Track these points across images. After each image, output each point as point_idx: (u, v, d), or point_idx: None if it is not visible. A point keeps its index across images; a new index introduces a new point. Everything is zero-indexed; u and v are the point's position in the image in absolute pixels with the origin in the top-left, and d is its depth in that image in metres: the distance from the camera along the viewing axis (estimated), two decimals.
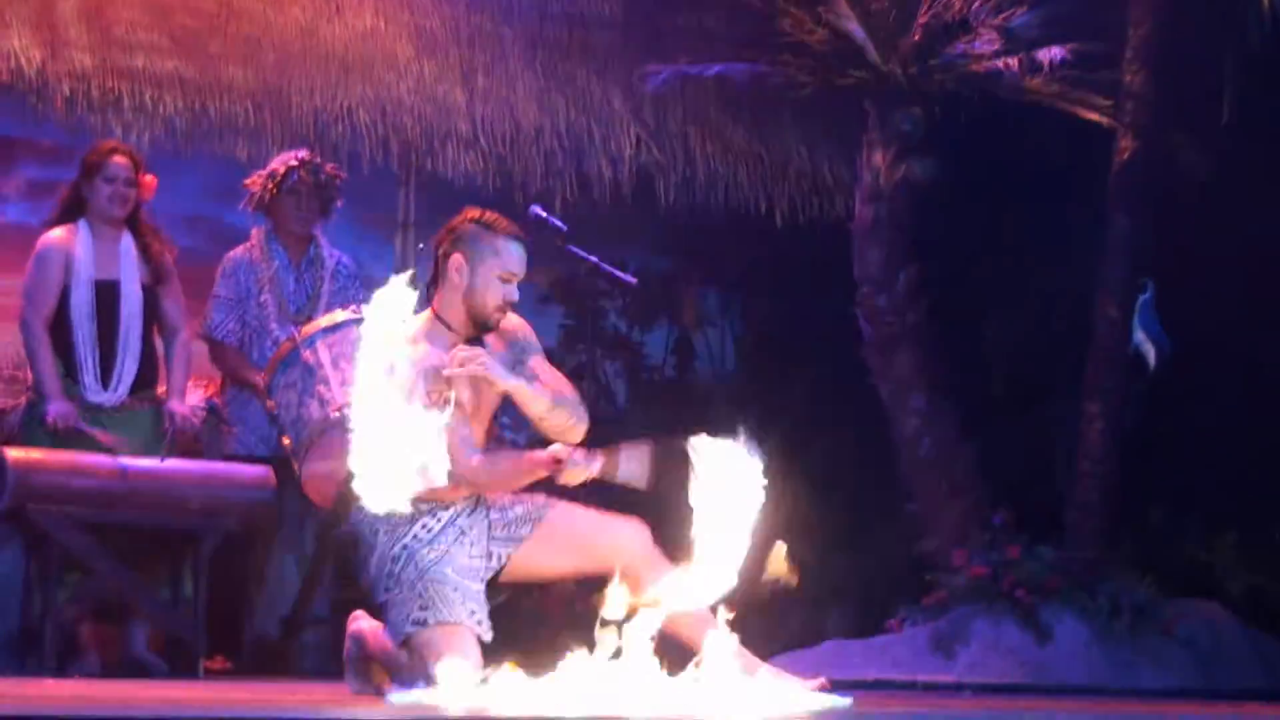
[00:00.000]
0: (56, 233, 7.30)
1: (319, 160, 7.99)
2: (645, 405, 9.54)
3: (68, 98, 8.65)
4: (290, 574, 7.64)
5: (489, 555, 5.61)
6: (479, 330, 5.59)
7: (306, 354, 7.11)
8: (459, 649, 5.36)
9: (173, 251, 7.51)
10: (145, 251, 7.36)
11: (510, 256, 5.59)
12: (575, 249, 7.24)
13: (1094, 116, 9.14)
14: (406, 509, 5.38)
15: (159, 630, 7.23)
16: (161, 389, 7.40)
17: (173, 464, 7.12)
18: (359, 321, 7.06)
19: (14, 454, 6.85)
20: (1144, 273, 9.21)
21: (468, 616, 5.46)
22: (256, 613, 7.64)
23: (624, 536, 5.69)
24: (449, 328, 5.57)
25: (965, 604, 8.46)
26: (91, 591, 7.02)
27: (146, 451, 7.13)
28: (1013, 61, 9.10)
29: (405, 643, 5.47)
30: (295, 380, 7.14)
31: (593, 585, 8.47)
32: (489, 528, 5.62)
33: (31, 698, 5.05)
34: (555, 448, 5.41)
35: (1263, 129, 9.08)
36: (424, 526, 5.53)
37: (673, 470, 5.46)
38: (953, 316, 9.51)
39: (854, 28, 9.15)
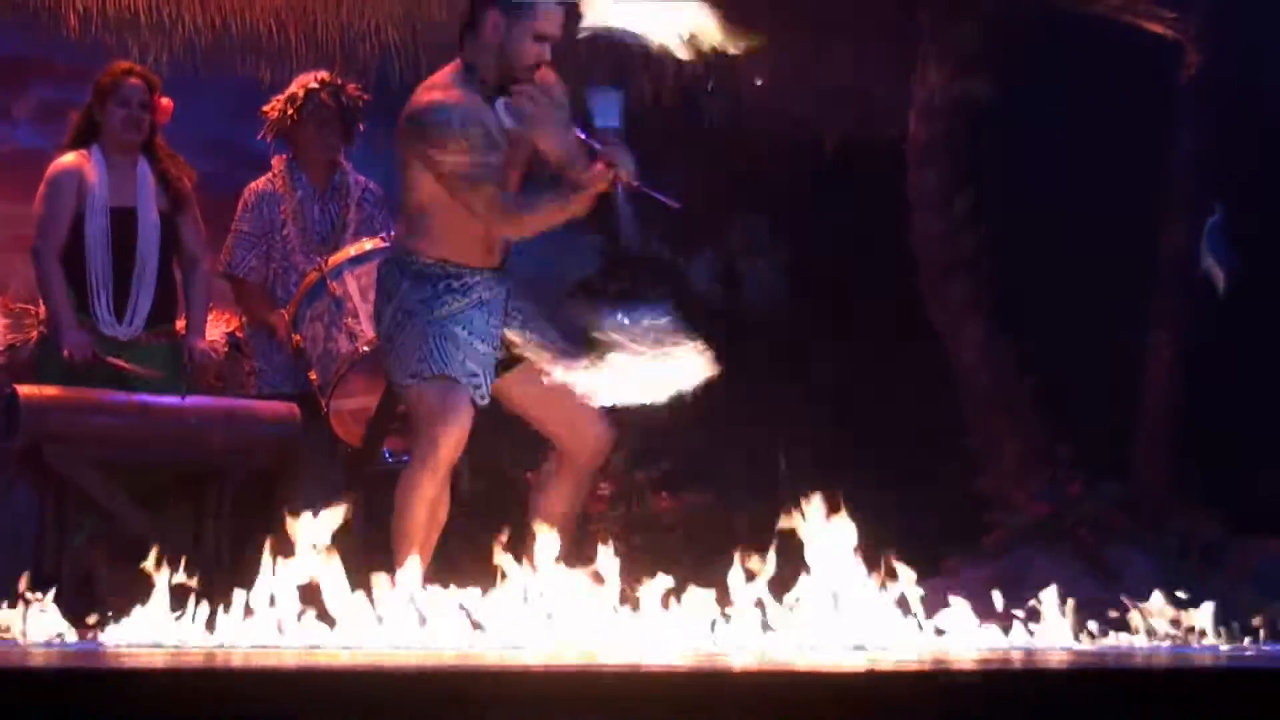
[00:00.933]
0: (69, 158, 7.21)
1: (340, 81, 7.82)
2: (690, 337, 9.46)
3: (81, 15, 8.61)
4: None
5: (495, 337, 5.81)
6: (504, 84, 5.71)
7: (334, 285, 7.06)
8: (451, 407, 5.64)
9: (191, 177, 7.43)
10: (162, 177, 7.29)
11: (548, 17, 5.69)
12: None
13: (1159, 30, 9.07)
14: (431, 272, 5.75)
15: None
16: (180, 323, 7.34)
17: (194, 400, 7.05)
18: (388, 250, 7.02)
19: (26, 390, 6.80)
20: (1213, 195, 9.08)
21: (465, 376, 5.68)
22: None
23: (594, 432, 5.88)
24: (479, 79, 5.72)
25: (1026, 544, 8.45)
26: (108, 534, 6.93)
27: (165, 388, 7.05)
28: None
29: (403, 398, 5.82)
30: (322, 313, 7.08)
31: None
32: (503, 309, 5.84)
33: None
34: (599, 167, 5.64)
35: None
36: (447, 286, 5.74)
37: None
38: (1011, 242, 9.40)
39: None
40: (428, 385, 5.66)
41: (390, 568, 5.59)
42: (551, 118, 5.68)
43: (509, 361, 5.85)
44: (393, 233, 7.37)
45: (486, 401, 5.74)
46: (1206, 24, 9.11)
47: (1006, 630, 5.64)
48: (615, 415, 5.87)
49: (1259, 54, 9.18)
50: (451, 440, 5.66)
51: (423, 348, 5.67)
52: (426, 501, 5.72)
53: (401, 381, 5.74)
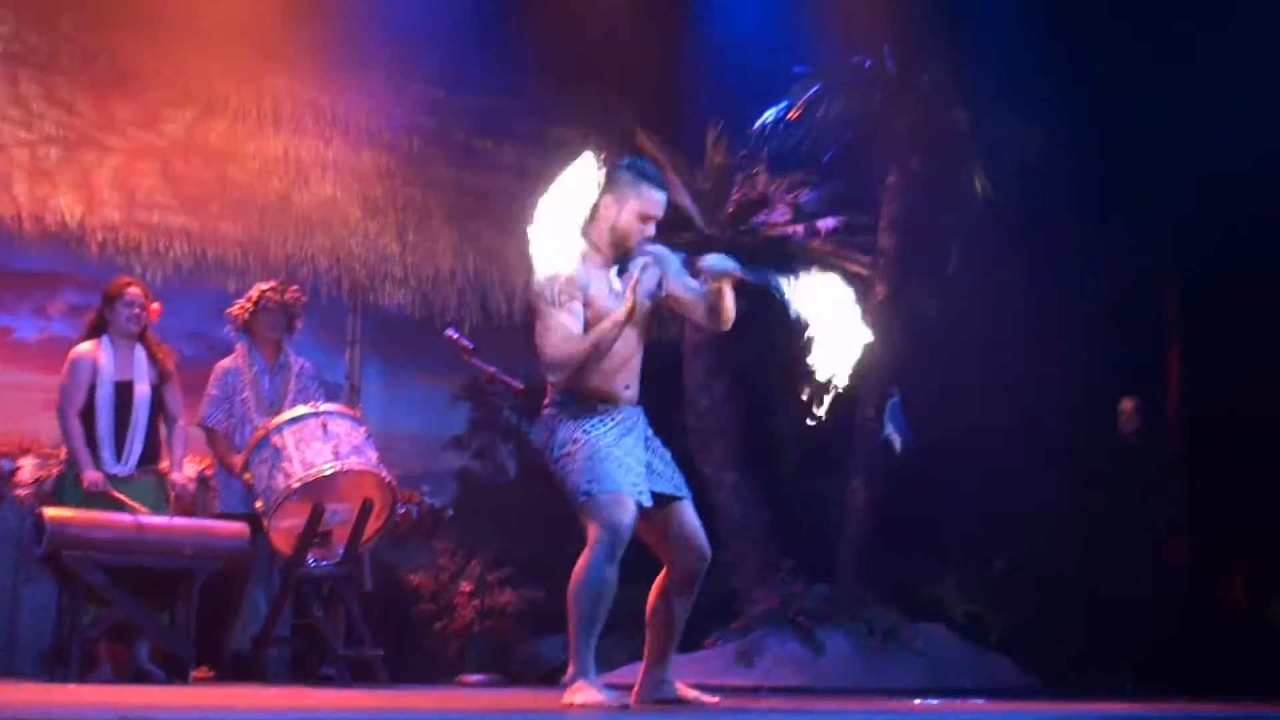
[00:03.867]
0: (86, 345, 7.13)
1: (284, 286, 7.76)
2: (529, 478, 9.38)
3: (101, 243, 8.48)
4: (260, 603, 7.43)
5: (642, 457, 4.95)
6: (619, 257, 4.98)
7: (275, 439, 6.98)
8: (619, 511, 4.77)
9: (174, 359, 7.32)
10: (152, 359, 7.18)
11: (651, 201, 4.98)
12: (479, 362, 7.04)
13: (857, 269, 9.12)
14: (585, 408, 4.90)
15: (159, 647, 6.98)
16: (164, 464, 7.19)
17: (173, 520, 6.90)
18: (316, 414, 6.96)
19: (50, 512, 6.69)
20: (892, 382, 9.24)
21: (630, 486, 4.82)
22: (234, 633, 7.37)
23: (695, 549, 4.98)
24: (597, 251, 4.97)
25: (762, 627, 8.42)
26: (107, 617, 6.75)
27: (152, 511, 6.90)
28: (800, 228, 9.16)
29: (580, 509, 4.85)
30: (267, 458, 6.98)
31: (490, 612, 8.24)
32: (646, 441, 5.00)
33: (58, 702, 4.83)
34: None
35: (977, 279, 9.15)
36: (599, 421, 4.89)
37: None
38: (755, 416, 9.45)
39: (686, 202, 9.18)
40: (601, 497, 4.79)
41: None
42: (658, 279, 5.04)
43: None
44: (320, 401, 7.34)
45: (650, 503, 4.88)
46: (889, 264, 9.27)
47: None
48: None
49: (922, 288, 9.42)
50: (623, 534, 4.78)
51: (592, 470, 4.82)
52: (603, 581, 4.77)
53: (578, 499, 4.84)
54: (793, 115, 9.30)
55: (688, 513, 5.01)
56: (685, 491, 5.04)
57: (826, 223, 9.11)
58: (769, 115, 9.36)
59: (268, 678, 7.21)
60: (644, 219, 4.99)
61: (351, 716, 3.81)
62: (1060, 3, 8.88)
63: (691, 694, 5.06)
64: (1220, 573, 9.34)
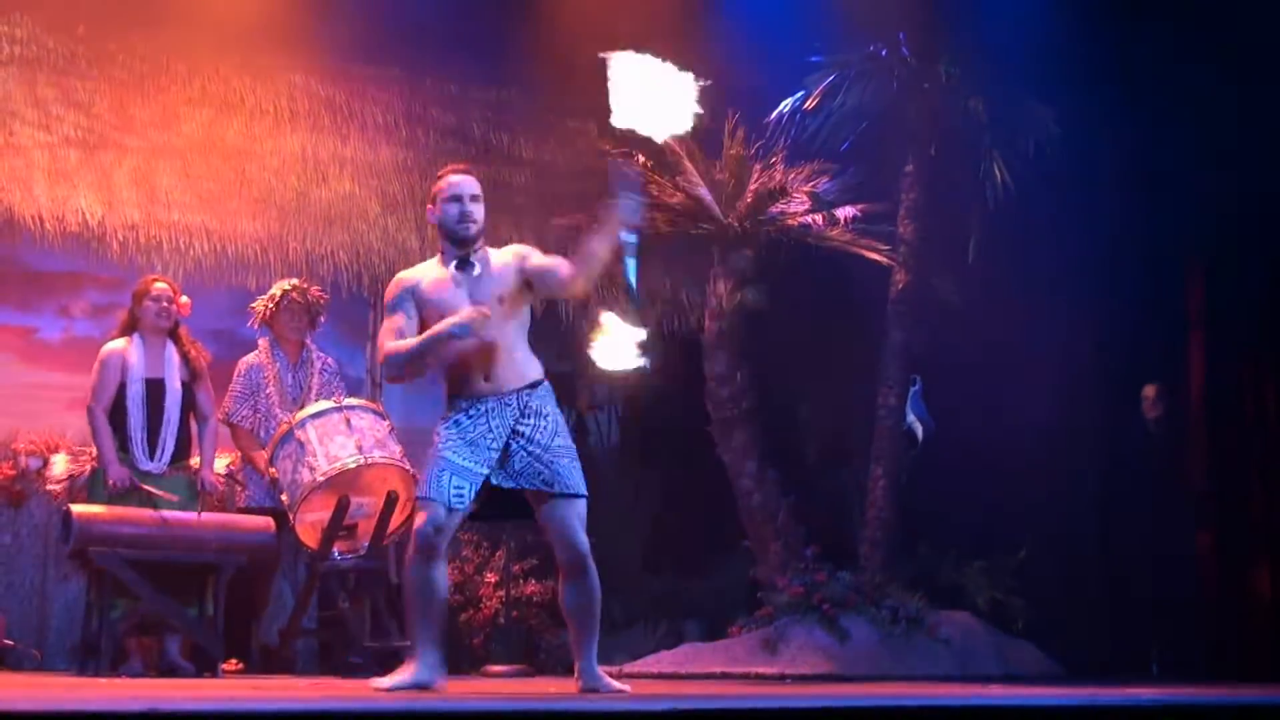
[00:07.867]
0: (117, 343, 7.24)
1: (307, 284, 7.92)
2: None
3: (122, 242, 8.62)
4: (286, 596, 7.58)
5: (500, 452, 5.23)
6: (460, 247, 5.36)
7: (299, 433, 7.11)
8: (424, 519, 5.15)
9: (206, 357, 7.43)
10: (184, 357, 7.28)
11: (446, 184, 5.41)
12: None
13: (876, 258, 9.18)
14: (451, 405, 5.31)
15: (188, 640, 7.14)
16: (194, 460, 7.31)
17: (197, 515, 7.03)
18: (339, 409, 7.13)
19: (78, 509, 6.84)
20: (913, 371, 9.34)
21: (449, 493, 5.15)
22: (261, 626, 7.55)
23: (569, 544, 5.28)
24: (442, 253, 5.42)
25: (786, 615, 8.46)
26: (136, 612, 6.91)
27: (182, 507, 7.04)
28: (818, 217, 9.14)
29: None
30: (291, 452, 7.12)
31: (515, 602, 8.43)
32: (512, 429, 5.25)
33: (91, 696, 4.94)
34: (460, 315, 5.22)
35: (996, 267, 9.22)
36: (454, 423, 5.25)
37: None
38: (776, 404, 9.50)
39: (703, 192, 9.20)
40: (419, 502, 5.24)
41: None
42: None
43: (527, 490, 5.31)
44: (343, 396, 7.55)
45: (465, 506, 5.19)
46: (908, 253, 9.35)
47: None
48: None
49: (943, 276, 9.50)
50: (428, 540, 5.14)
51: (425, 474, 5.25)
52: (413, 580, 5.18)
53: (419, 492, 5.30)
54: (809, 105, 9.30)
55: (560, 509, 5.27)
56: (559, 487, 5.27)
57: (845, 211, 9.08)
58: (786, 105, 9.34)
59: (296, 669, 7.38)
60: (452, 200, 5.37)
61: (380, 706, 3.96)
62: None
63: (607, 683, 5.27)
64: (1245, 561, 9.39)
